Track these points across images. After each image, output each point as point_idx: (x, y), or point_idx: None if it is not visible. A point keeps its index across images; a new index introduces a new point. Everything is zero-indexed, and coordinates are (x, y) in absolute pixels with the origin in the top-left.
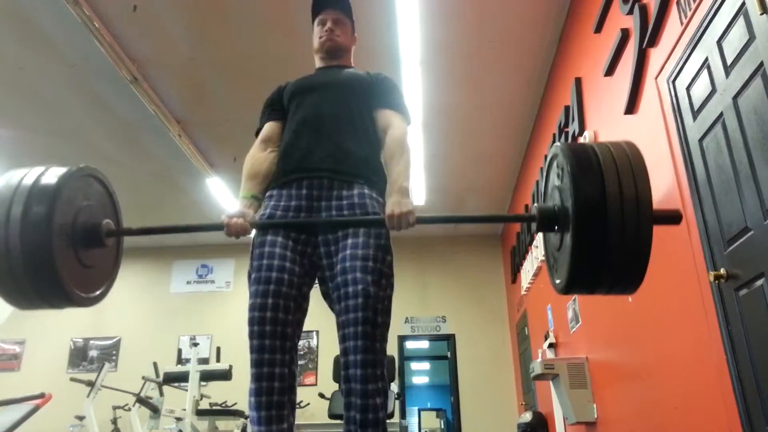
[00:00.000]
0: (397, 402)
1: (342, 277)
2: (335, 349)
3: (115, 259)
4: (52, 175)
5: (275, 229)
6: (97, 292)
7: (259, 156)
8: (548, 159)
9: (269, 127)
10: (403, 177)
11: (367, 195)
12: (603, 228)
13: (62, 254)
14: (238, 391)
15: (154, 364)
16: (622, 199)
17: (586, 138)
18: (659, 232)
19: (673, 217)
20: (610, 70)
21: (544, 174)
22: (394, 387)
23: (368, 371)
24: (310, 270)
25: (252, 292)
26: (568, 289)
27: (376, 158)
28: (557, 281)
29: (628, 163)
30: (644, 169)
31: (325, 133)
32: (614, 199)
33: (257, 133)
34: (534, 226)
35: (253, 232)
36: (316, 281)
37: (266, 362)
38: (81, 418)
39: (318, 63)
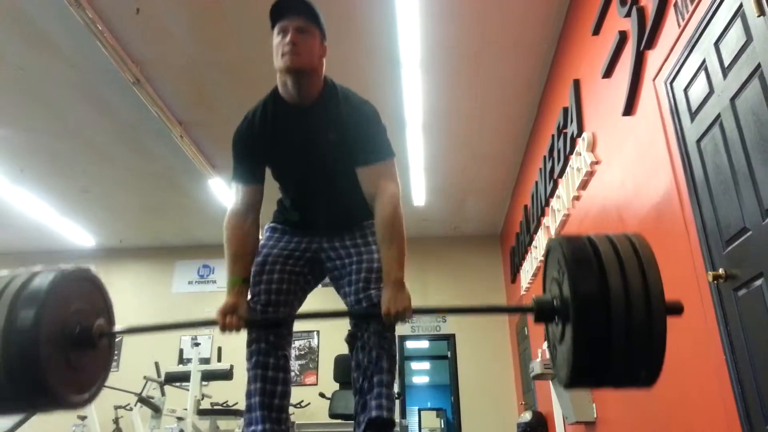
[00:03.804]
0: (397, 401)
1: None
2: (335, 349)
3: (106, 358)
4: (42, 279)
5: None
6: (88, 394)
7: (242, 228)
8: (546, 251)
9: (249, 194)
10: (397, 267)
11: (367, 226)
12: (606, 324)
13: (51, 361)
14: (239, 391)
15: (156, 363)
16: (628, 294)
17: (584, 139)
18: (660, 233)
19: (676, 309)
20: (608, 72)
21: (543, 265)
22: (395, 386)
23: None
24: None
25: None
26: (570, 383)
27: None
28: (561, 375)
29: (634, 255)
30: (654, 263)
31: (319, 208)
32: (617, 293)
33: (233, 179)
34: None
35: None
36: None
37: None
38: (83, 418)
39: (281, 87)
